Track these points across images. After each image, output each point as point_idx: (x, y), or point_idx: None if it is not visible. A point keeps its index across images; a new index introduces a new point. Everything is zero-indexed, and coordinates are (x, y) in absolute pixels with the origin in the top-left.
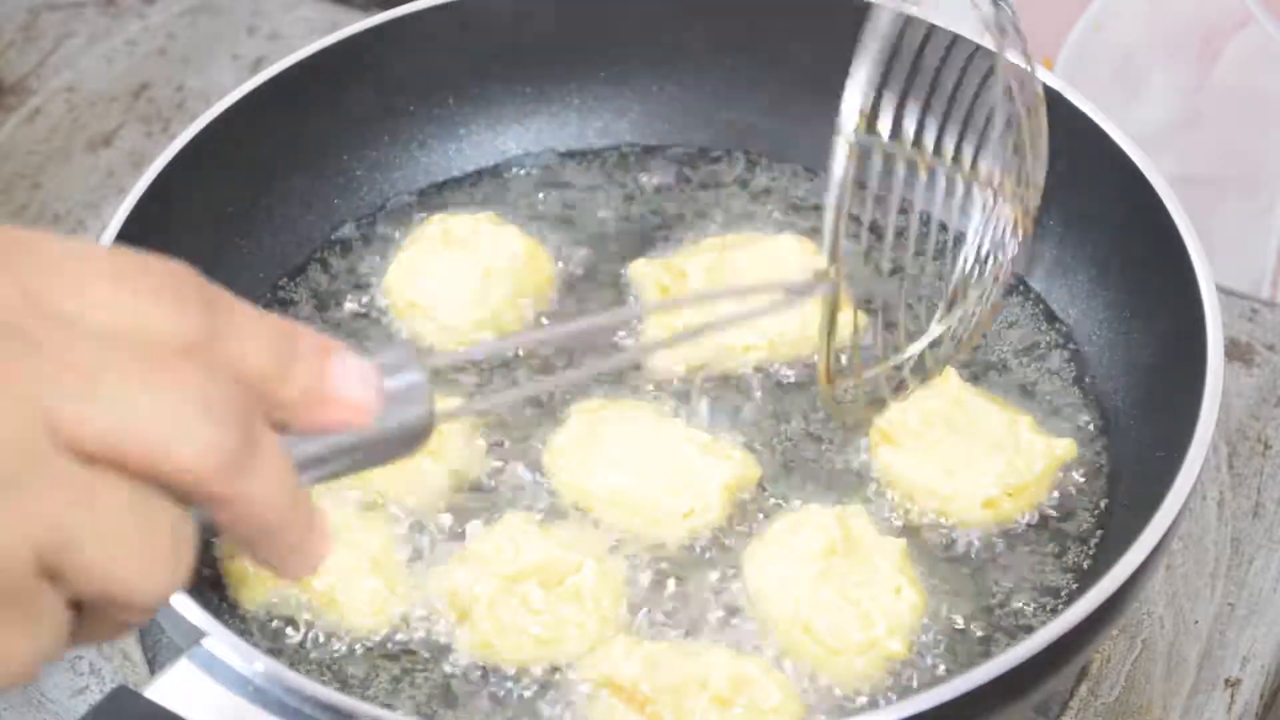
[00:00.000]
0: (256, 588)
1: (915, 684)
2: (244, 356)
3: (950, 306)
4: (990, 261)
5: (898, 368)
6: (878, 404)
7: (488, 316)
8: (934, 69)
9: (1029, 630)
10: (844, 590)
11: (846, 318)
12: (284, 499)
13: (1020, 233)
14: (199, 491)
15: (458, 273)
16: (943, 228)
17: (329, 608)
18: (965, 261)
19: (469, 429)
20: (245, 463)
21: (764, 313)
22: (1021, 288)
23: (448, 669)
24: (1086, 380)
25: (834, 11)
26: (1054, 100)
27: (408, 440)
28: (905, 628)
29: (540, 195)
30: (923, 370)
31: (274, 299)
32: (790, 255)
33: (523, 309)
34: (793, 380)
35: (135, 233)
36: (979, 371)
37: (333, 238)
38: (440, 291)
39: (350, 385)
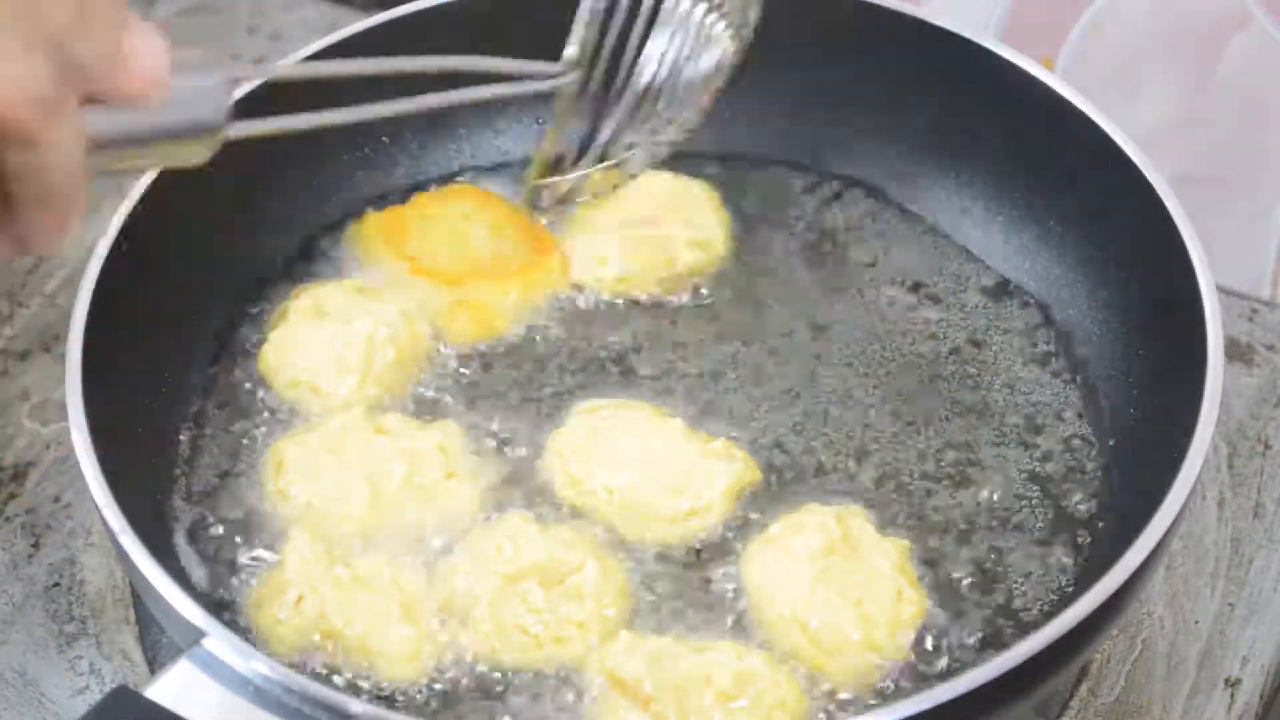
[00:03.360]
0: (285, 637)
1: (915, 684)
2: (49, 12)
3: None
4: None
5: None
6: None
7: (376, 389)
8: None
9: (1029, 630)
10: (844, 591)
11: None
12: (78, 159)
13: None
14: (13, 126)
15: (339, 343)
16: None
17: (362, 657)
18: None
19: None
20: (59, 106)
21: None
22: (1020, 288)
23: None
24: (1086, 380)
25: (831, 12)
26: (1054, 100)
27: (191, 139)
28: (905, 629)
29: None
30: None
31: (281, 289)
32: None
33: (409, 374)
34: (796, 385)
35: (135, 232)
36: (979, 372)
37: (330, 235)
38: (325, 364)
39: (145, 55)
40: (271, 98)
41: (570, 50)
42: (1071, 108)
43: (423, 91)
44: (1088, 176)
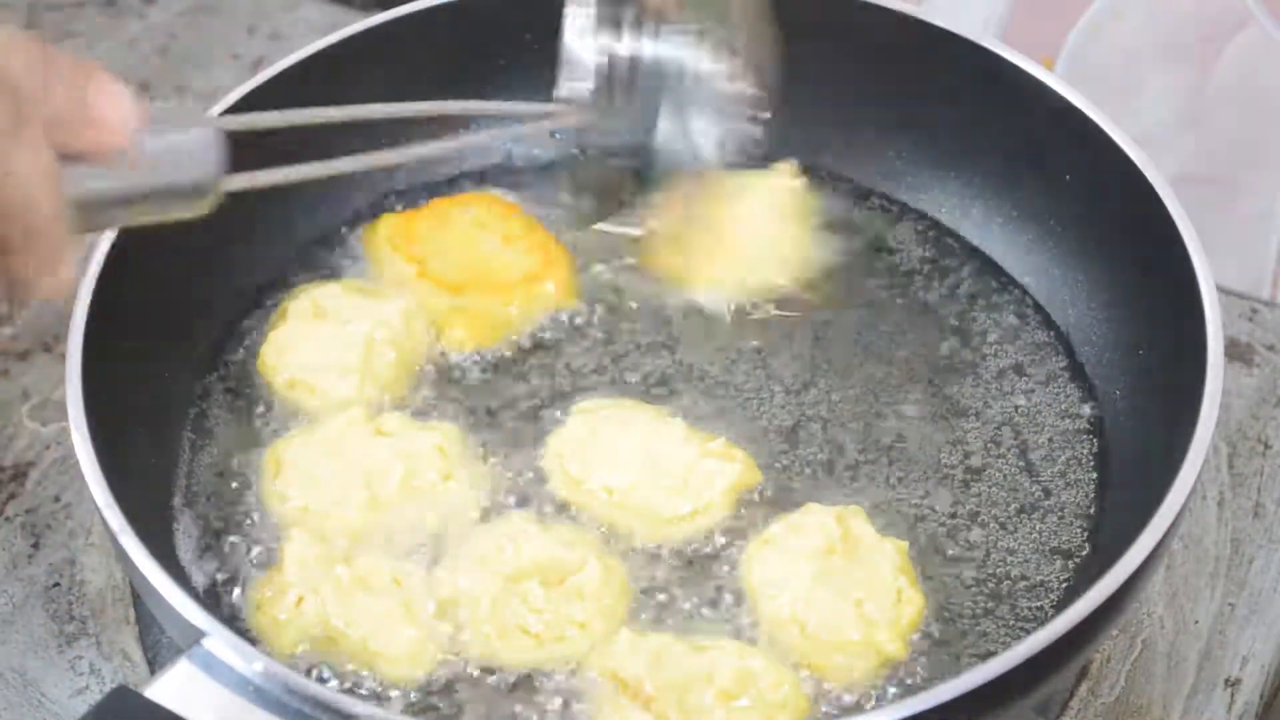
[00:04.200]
0: (286, 639)
1: (914, 684)
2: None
3: None
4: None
5: None
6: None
7: (375, 389)
8: None
9: (1029, 630)
10: (843, 591)
11: None
12: (48, 195)
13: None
14: None
15: (339, 344)
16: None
17: (364, 658)
18: None
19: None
20: (15, 137)
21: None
22: (1020, 289)
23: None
24: (1086, 380)
25: (831, 13)
26: (1054, 101)
27: (188, 195)
28: (905, 629)
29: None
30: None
31: (283, 289)
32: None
33: (409, 376)
34: (796, 385)
35: (135, 232)
36: (979, 372)
37: (328, 235)
38: (324, 365)
39: (109, 106)
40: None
41: (562, 91)
42: (1072, 108)
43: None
44: (1088, 177)
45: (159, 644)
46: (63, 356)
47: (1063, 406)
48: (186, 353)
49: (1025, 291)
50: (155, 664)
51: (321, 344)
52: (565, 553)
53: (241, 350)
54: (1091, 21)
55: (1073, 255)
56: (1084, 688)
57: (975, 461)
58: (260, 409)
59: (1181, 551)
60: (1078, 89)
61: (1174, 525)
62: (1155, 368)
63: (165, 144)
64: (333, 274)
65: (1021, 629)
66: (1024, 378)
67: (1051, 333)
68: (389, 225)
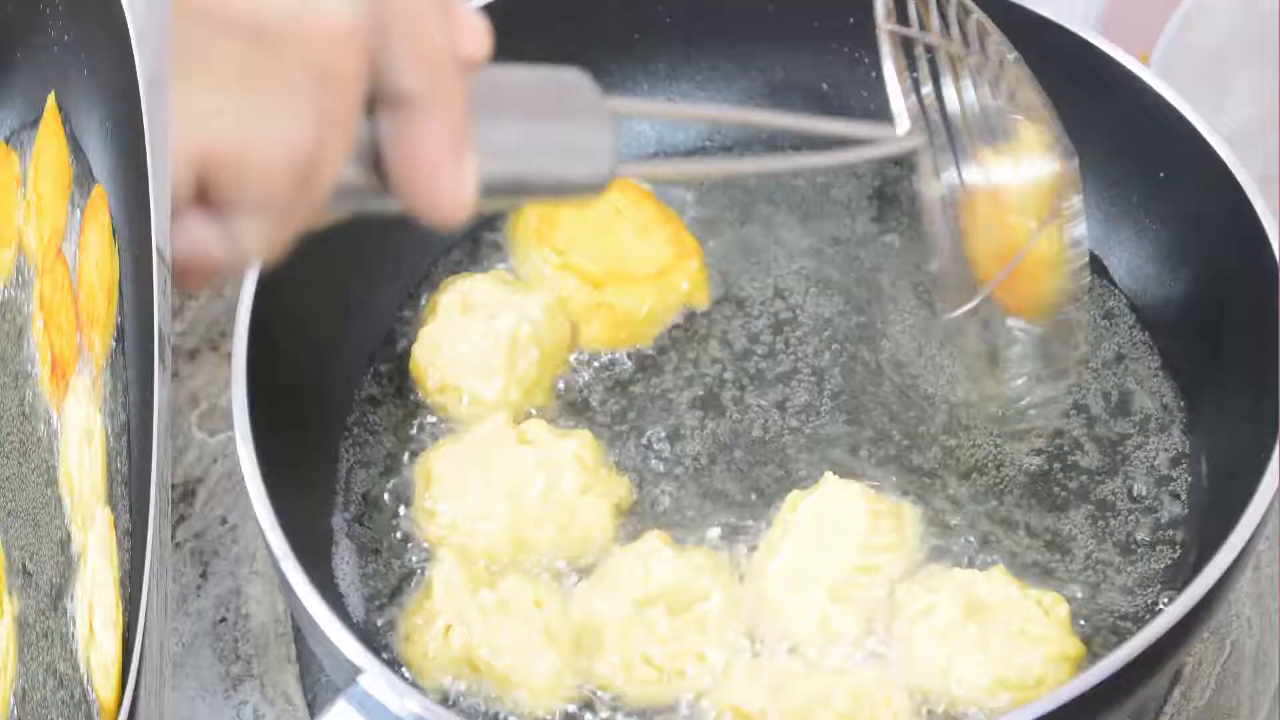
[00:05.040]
0: (435, 670)
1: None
2: None
3: None
4: None
5: None
6: None
7: (518, 392)
8: None
9: (1124, 637)
10: (993, 634)
11: None
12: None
13: None
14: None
15: (485, 342)
16: None
17: (506, 688)
18: None
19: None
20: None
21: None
22: (1108, 285)
23: None
24: (1174, 380)
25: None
26: (1148, 97)
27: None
28: (1065, 624)
29: None
30: None
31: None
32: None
33: (549, 378)
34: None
35: None
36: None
37: (477, 223)
38: (471, 366)
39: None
40: None
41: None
42: (1164, 105)
43: None
44: (1181, 174)
45: (317, 684)
46: (228, 356)
47: (1150, 407)
48: (343, 355)
49: (1113, 285)
50: (314, 705)
51: (469, 341)
52: (695, 579)
53: (396, 351)
54: (1184, 17)
55: (1161, 251)
56: (1177, 692)
57: (1063, 461)
58: (413, 415)
59: (1267, 550)
60: (1171, 86)
61: (1261, 525)
62: (1240, 368)
63: (550, 135)
64: (480, 265)
65: (1116, 632)
66: (1116, 375)
67: (1139, 332)
68: (534, 212)
